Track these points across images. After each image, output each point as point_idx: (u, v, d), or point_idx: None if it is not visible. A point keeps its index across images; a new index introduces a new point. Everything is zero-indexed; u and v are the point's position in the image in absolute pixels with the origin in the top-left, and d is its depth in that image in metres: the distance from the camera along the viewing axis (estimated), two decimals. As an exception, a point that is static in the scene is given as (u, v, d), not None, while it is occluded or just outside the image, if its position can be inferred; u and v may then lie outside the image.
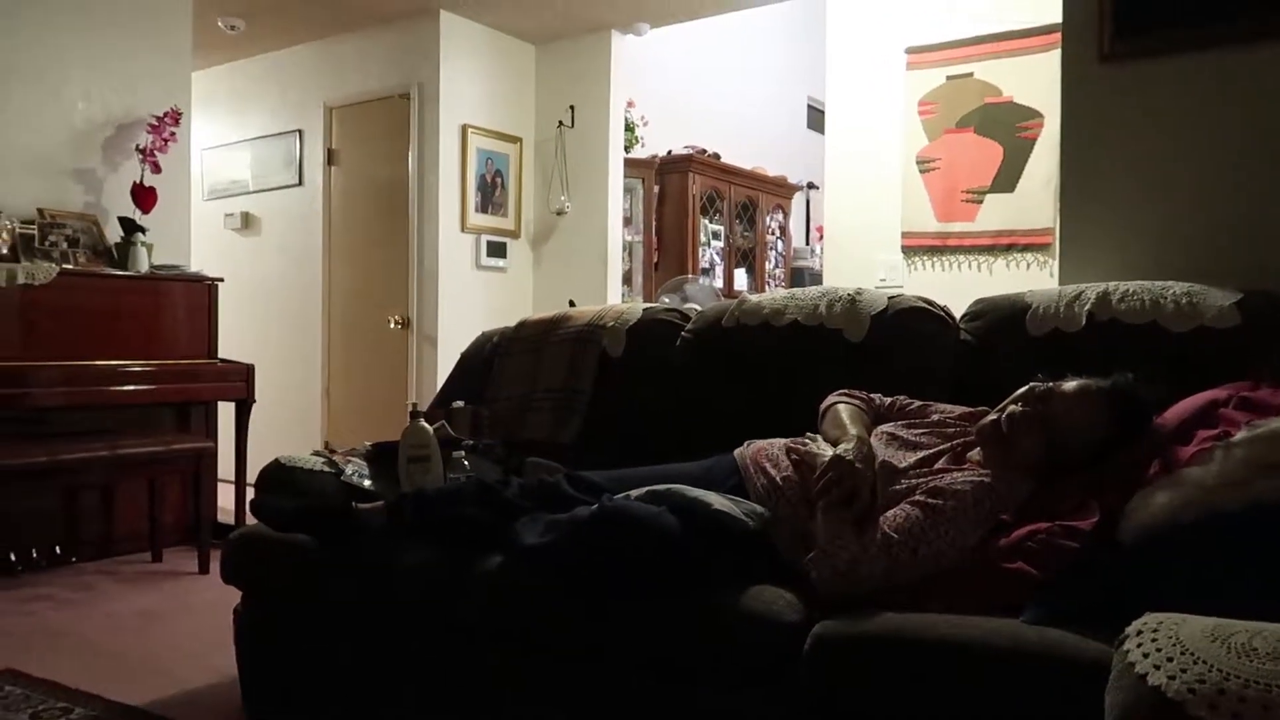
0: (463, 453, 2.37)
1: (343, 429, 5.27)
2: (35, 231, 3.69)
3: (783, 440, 1.91)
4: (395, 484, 2.30)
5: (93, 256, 3.87)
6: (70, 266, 3.69)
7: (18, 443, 3.25)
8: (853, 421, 1.83)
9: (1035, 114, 3.83)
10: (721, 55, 6.83)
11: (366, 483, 2.36)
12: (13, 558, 3.41)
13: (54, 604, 3.22)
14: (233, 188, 5.79)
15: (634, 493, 1.77)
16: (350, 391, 5.35)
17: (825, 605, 1.54)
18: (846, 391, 1.99)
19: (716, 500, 1.67)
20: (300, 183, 5.47)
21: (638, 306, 2.76)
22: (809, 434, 1.91)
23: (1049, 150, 3.71)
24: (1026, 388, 1.73)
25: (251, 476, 3.95)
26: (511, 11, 4.95)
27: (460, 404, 2.64)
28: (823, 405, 1.97)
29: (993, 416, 1.72)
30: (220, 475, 3.97)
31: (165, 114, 4.08)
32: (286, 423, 5.18)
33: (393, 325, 5.06)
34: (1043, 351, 2.05)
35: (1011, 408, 1.70)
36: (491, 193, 5.20)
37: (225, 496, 4.10)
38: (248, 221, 5.70)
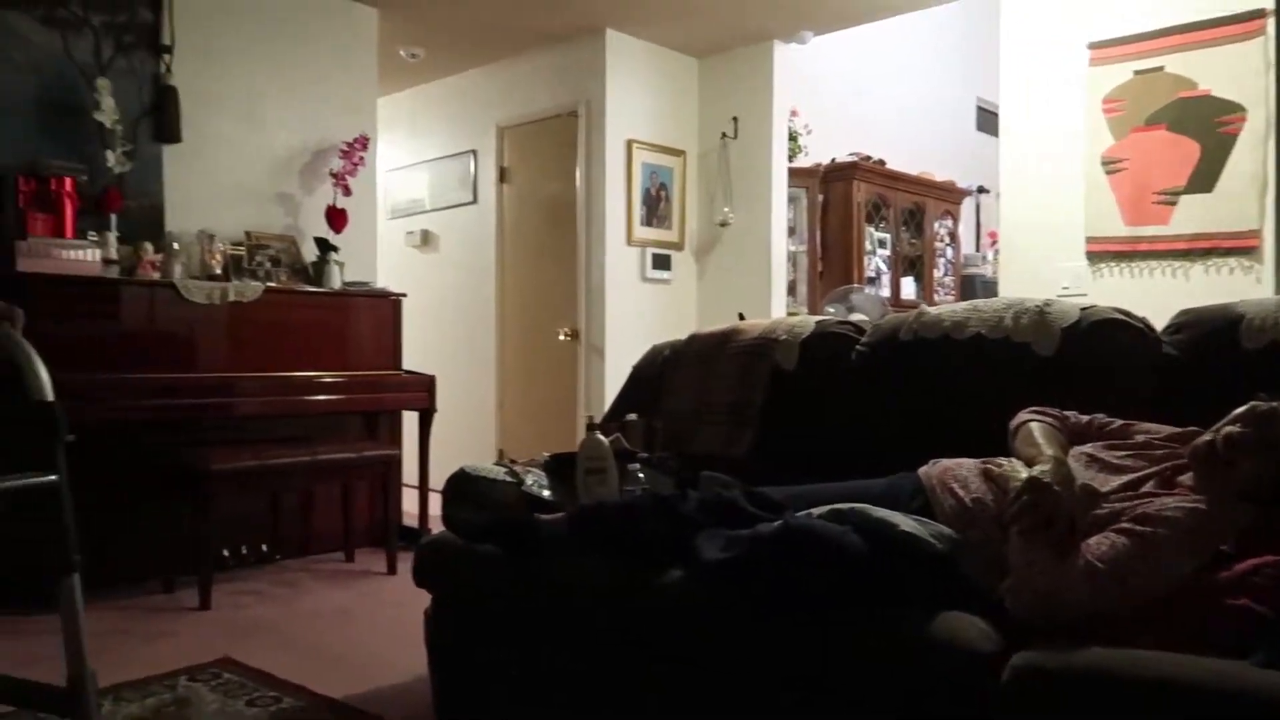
0: (638, 465, 2.41)
1: (515, 437, 5.46)
2: (244, 252, 4.01)
3: (971, 461, 1.85)
4: (573, 495, 2.36)
5: (291, 275, 4.17)
6: (273, 284, 3.99)
7: (229, 448, 3.54)
8: (1048, 441, 1.75)
9: (1237, 107, 3.54)
10: (886, 59, 6.68)
11: (546, 493, 2.43)
12: (226, 554, 3.71)
13: (261, 598, 3.48)
14: (412, 207, 6.11)
15: (815, 511, 1.75)
16: (522, 401, 5.54)
17: (1021, 635, 1.47)
18: (1038, 409, 1.90)
19: (904, 521, 1.63)
20: (475, 201, 5.72)
21: (810, 319, 2.73)
22: (999, 458, 1.83)
23: (1253, 146, 3.44)
24: (1247, 407, 1.60)
25: (433, 481, 4.17)
26: (674, 26, 5.02)
27: (634, 417, 2.68)
28: (1013, 423, 1.89)
29: (1208, 438, 1.60)
30: (404, 480, 4.20)
31: (354, 140, 4.36)
32: (462, 430, 5.41)
33: (562, 337, 5.21)
34: (1259, 367, 1.89)
35: (1230, 429, 1.58)
36: (656, 206, 5.28)
37: (409, 500, 4.32)
38: (426, 239, 6.01)
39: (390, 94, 5.96)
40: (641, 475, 2.38)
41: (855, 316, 5.14)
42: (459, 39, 5.21)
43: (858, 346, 2.53)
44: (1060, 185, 3.97)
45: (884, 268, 6.19)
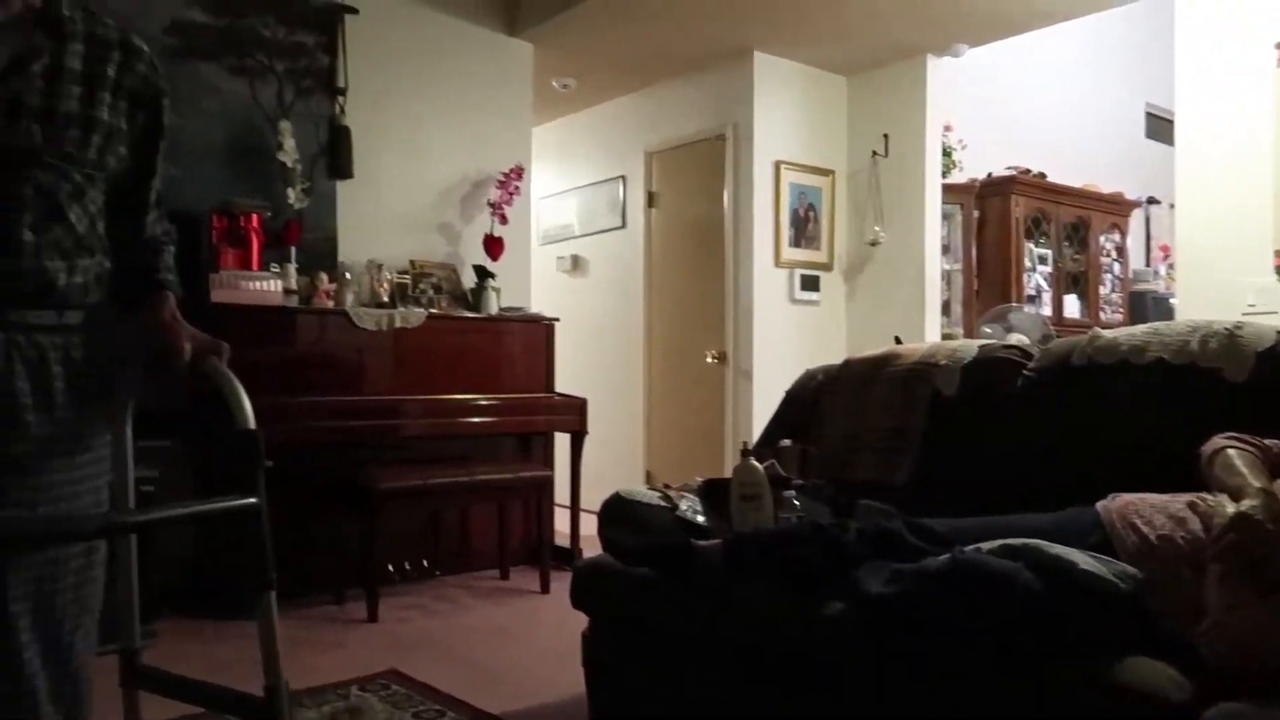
0: (793, 492, 2.39)
1: (662, 459, 5.50)
2: (409, 280, 4.21)
3: (1156, 496, 1.74)
4: (727, 521, 2.36)
5: (452, 301, 4.36)
6: (435, 311, 4.17)
7: (393, 468, 3.71)
8: (1254, 471, 1.61)
9: None
10: (1045, 68, 6.40)
11: (700, 519, 2.43)
12: (390, 569, 3.88)
13: (423, 613, 3.63)
14: (562, 232, 6.28)
15: (985, 545, 1.68)
16: (670, 423, 5.58)
17: (1217, 684, 1.37)
18: (1234, 435, 1.76)
19: (1082, 559, 1.55)
20: (623, 225, 5.82)
21: (972, 344, 2.64)
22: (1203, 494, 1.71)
23: None
24: None
25: (584, 502, 4.26)
26: (823, 46, 4.98)
27: (788, 443, 2.66)
28: (1206, 449, 1.76)
29: None
30: (556, 499, 4.29)
31: (510, 170, 4.52)
32: (610, 451, 5.49)
33: (710, 359, 5.22)
34: None
35: None
36: (804, 226, 5.23)
37: (561, 520, 4.42)
38: (577, 264, 6.15)
39: (542, 124, 6.15)
40: (797, 503, 2.35)
41: (1014, 337, 4.93)
42: (609, 68, 5.33)
43: (1024, 371, 2.43)
44: (1245, 194, 3.71)
45: (1045, 285, 5.93)
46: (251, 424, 1.38)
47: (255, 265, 3.70)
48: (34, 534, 1.21)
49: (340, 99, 4.18)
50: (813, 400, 2.87)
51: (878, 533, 1.96)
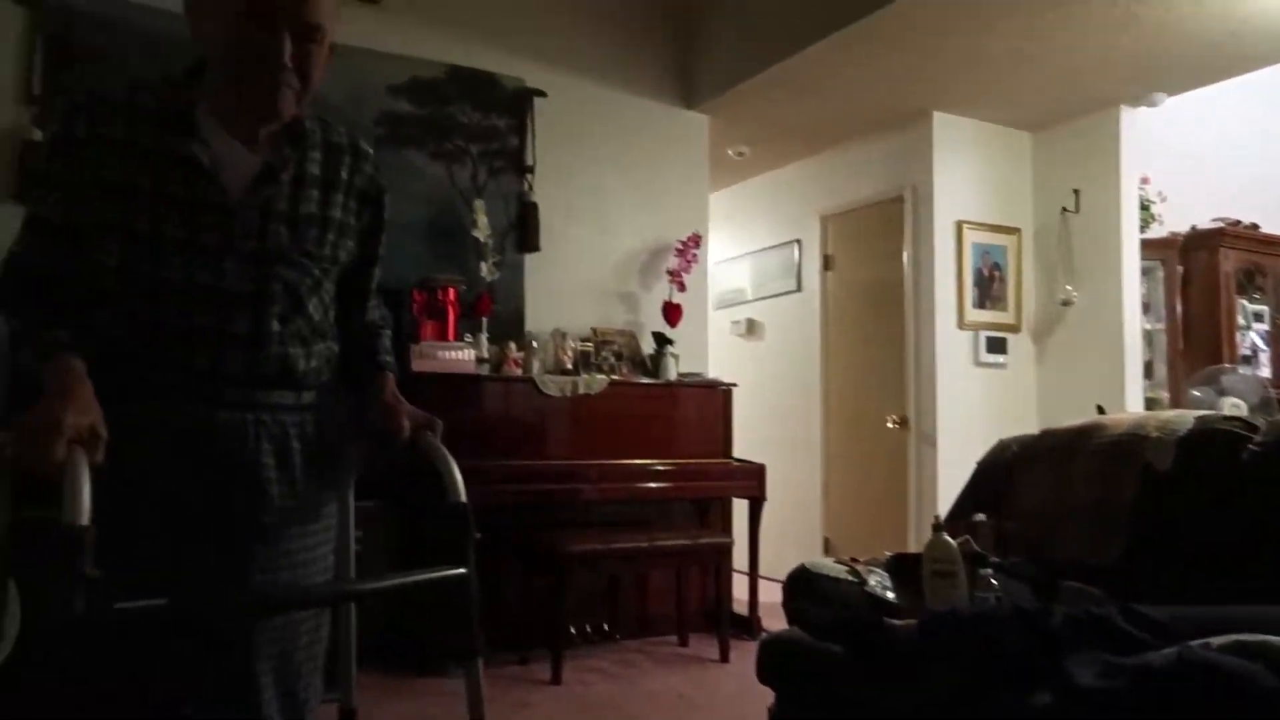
0: (990, 570, 2.28)
1: (841, 526, 5.38)
2: (591, 348, 4.35)
3: None
4: (919, 598, 2.28)
5: (631, 367, 4.46)
6: (616, 377, 4.28)
7: (574, 531, 3.80)
8: None
9: None
10: (1253, 111, 5.97)
11: (890, 595, 2.36)
12: (572, 630, 3.95)
13: (604, 677, 3.67)
14: (734, 296, 6.33)
15: (1215, 641, 1.55)
16: (849, 489, 5.45)
17: None
18: None
19: (1333, 662, 1.40)
20: (798, 288, 5.80)
21: (1188, 414, 2.46)
22: None
23: None
24: None
25: (762, 569, 4.21)
26: (1006, 103, 4.85)
27: (982, 517, 2.55)
28: None
29: None
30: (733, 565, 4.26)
31: (688, 238, 4.62)
32: (787, 516, 5.41)
33: (890, 425, 5.09)
34: None
35: None
36: (989, 286, 5.06)
37: (739, 586, 4.38)
38: (751, 328, 6.17)
39: (717, 190, 6.25)
40: (995, 582, 2.24)
41: (1228, 401, 4.56)
42: (783, 135, 5.39)
43: (1250, 445, 2.24)
44: None
45: (1261, 344, 5.45)
46: (463, 497, 1.46)
47: (451, 335, 3.92)
48: (280, 602, 1.32)
49: (529, 176, 4.42)
50: (1007, 473, 2.74)
51: (1088, 618, 1.84)
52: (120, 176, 1.29)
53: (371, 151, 1.56)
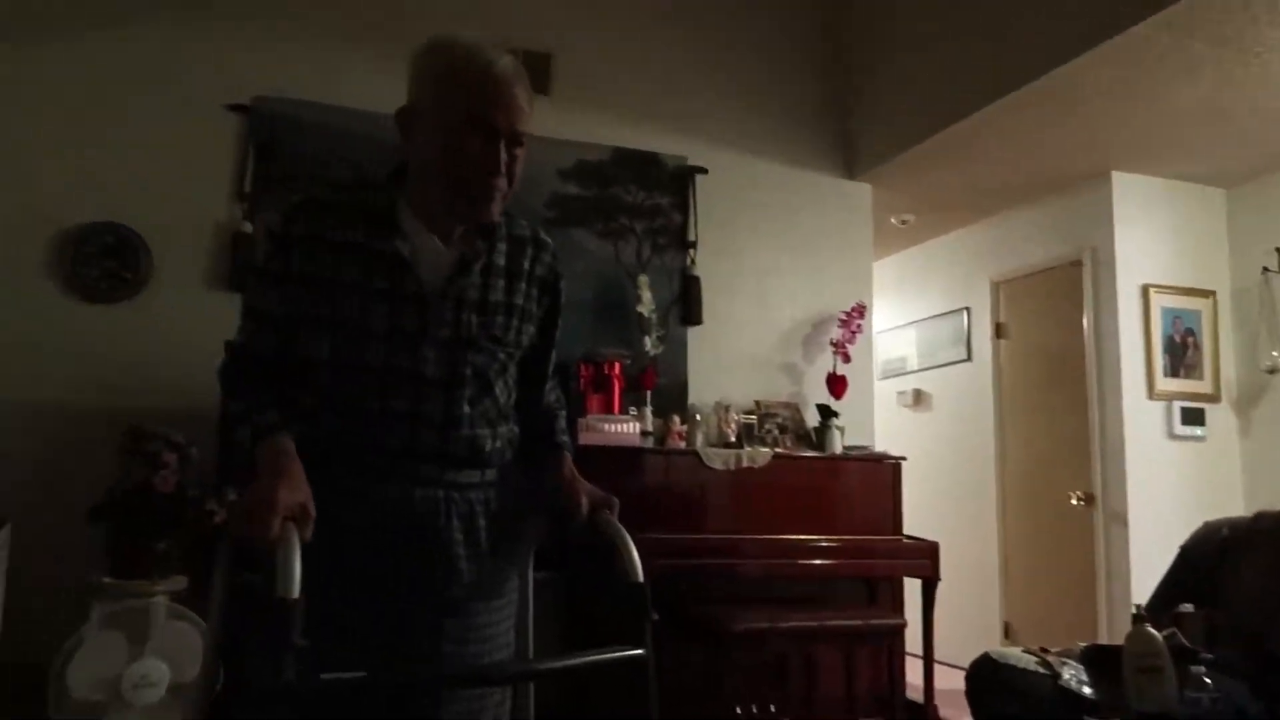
0: (1203, 668, 2.09)
1: (1022, 609, 5.06)
2: (754, 420, 4.33)
3: None
4: (1118, 694, 2.11)
5: (795, 440, 4.39)
6: (780, 450, 4.22)
7: (734, 607, 3.73)
8: None
9: None
10: None
11: (1087, 690, 2.21)
12: (738, 711, 3.85)
13: (772, 761, 3.55)
14: (898, 366, 6.16)
15: None
16: (1030, 570, 5.14)
17: None
18: None
19: None
20: (969, 357, 5.60)
21: None
22: None
23: None
24: None
25: (937, 654, 4.00)
26: (1195, 160, 4.58)
27: (1189, 607, 2.35)
28: None
29: None
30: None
31: (852, 309, 4.55)
32: (963, 599, 5.14)
33: (1074, 501, 4.78)
34: None
35: None
36: (1182, 354, 4.72)
37: (911, 670, 4.17)
38: (918, 398, 5.98)
39: (880, 259, 6.16)
40: (1208, 680, 2.05)
41: None
42: (949, 201, 5.27)
43: None
44: None
45: None
46: (640, 576, 1.47)
47: (616, 409, 3.99)
48: (475, 678, 1.35)
49: (691, 251, 4.49)
50: (1218, 558, 2.52)
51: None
52: (332, 271, 1.40)
53: (550, 242, 1.63)
